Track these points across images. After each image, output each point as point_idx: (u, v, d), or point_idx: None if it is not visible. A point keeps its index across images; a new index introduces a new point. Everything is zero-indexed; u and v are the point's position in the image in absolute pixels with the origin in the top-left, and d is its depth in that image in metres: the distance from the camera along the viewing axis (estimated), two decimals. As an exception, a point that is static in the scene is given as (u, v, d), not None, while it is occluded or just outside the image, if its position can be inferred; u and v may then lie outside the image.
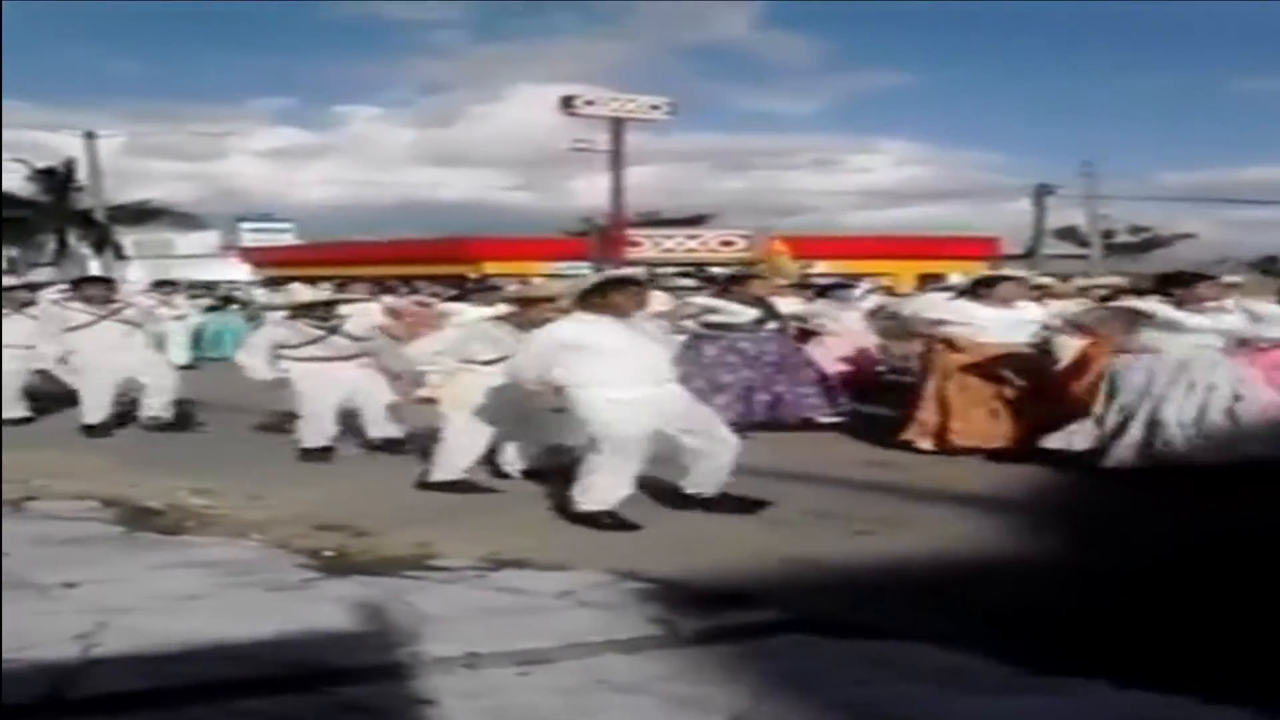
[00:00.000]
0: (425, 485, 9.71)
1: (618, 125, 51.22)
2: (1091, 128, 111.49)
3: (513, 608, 6.21)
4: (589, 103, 51.40)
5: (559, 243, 52.65)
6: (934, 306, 12.58)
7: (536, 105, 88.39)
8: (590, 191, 54.98)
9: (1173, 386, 9.91)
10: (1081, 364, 11.42)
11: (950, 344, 11.56)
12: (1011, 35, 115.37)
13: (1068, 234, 62.02)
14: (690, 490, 8.65)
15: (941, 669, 5.27)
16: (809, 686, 5.02)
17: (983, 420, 11.20)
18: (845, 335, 15.74)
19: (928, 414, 11.52)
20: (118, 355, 13.85)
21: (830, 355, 14.83)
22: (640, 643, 5.63)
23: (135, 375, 13.95)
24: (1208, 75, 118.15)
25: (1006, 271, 14.14)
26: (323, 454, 11.55)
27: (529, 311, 9.94)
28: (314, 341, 11.95)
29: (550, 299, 9.96)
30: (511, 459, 10.00)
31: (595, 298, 8.61)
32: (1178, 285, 10.39)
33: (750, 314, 13.09)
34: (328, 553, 7.45)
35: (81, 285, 15.49)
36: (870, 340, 16.13)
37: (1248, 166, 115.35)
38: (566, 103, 51.51)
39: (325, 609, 6.14)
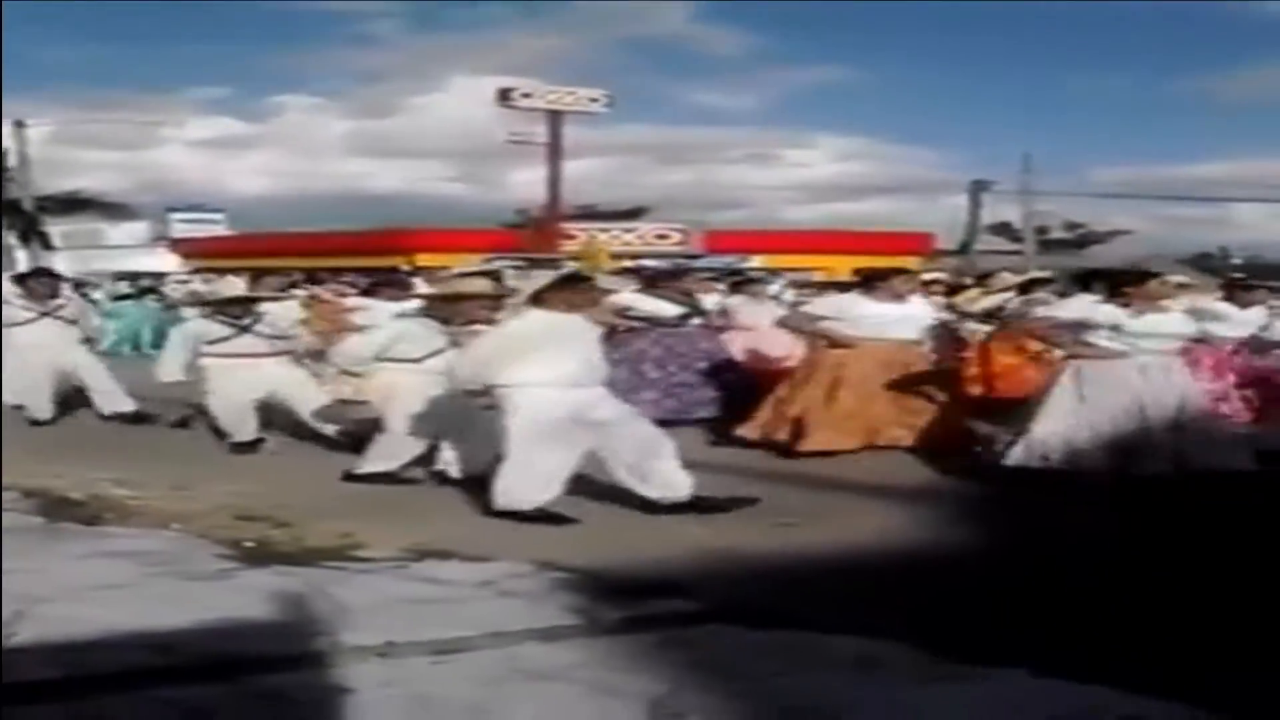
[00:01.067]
0: (352, 477, 9.69)
1: (555, 118, 51.18)
2: (1029, 124, 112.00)
3: (432, 598, 6.21)
4: (526, 95, 51.33)
5: (493, 235, 52.41)
6: (825, 302, 12.50)
7: (473, 97, 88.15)
8: (527, 184, 54.82)
9: (1116, 394, 9.60)
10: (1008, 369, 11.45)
11: (829, 340, 11.43)
12: (949, 31, 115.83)
13: (1002, 230, 62.34)
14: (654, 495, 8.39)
15: (859, 658, 5.29)
16: (726, 675, 5.03)
17: (831, 421, 10.99)
18: (755, 330, 15.48)
19: (766, 411, 11.45)
20: (53, 352, 13.90)
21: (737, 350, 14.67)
22: (559, 631, 5.65)
23: (71, 371, 14.00)
24: (1145, 73, 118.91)
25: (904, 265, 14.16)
26: (251, 446, 11.52)
27: (455, 306, 9.97)
28: (229, 338, 11.95)
29: (478, 296, 10.00)
30: (450, 461, 9.66)
31: (551, 294, 8.49)
32: (1128, 283, 10.07)
33: (675, 310, 13.10)
34: (248, 543, 7.42)
35: (26, 279, 15.32)
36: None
37: (1182, 164, 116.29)
38: (504, 95, 51.41)
39: (244, 599, 6.11)
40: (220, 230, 64.89)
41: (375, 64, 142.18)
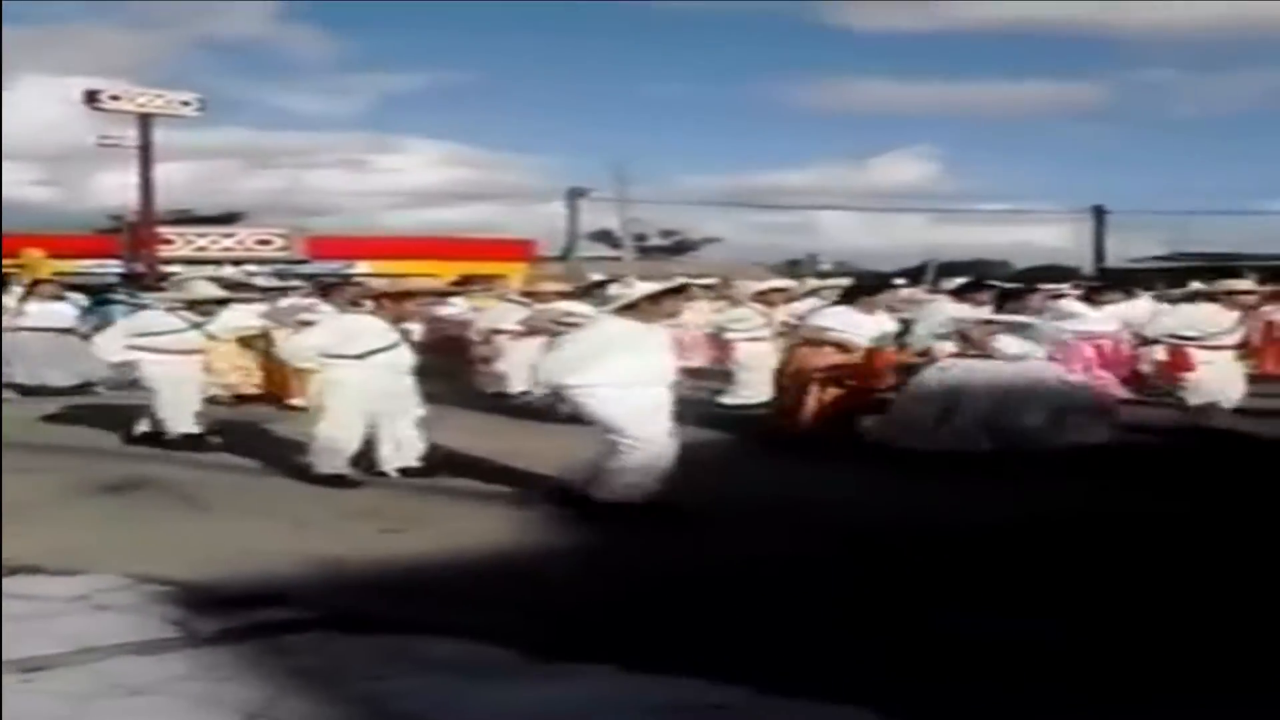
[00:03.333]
0: (314, 478, 9.94)
1: (145, 121, 49.54)
2: (621, 131, 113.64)
3: (22, 614, 6.01)
4: (115, 97, 49.42)
5: (87, 240, 50.57)
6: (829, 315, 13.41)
7: (53, 97, 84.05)
8: (118, 188, 52.66)
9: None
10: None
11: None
12: (539, 37, 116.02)
13: (602, 236, 63.45)
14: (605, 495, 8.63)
15: (457, 660, 5.43)
16: (326, 681, 5.10)
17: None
18: None
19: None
20: None
21: None
22: (156, 644, 5.59)
23: None
24: (725, 82, 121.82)
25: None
26: None
27: (399, 306, 10.40)
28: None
29: (425, 292, 11.15)
30: (388, 457, 10.19)
31: (648, 304, 8.90)
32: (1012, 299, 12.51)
33: None
34: None
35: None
36: None
37: (768, 172, 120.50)
38: (92, 97, 49.46)
39: None
40: None
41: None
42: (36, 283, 20.38)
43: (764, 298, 16.66)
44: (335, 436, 9.97)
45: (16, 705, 4.79)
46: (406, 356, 10.27)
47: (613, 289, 14.64)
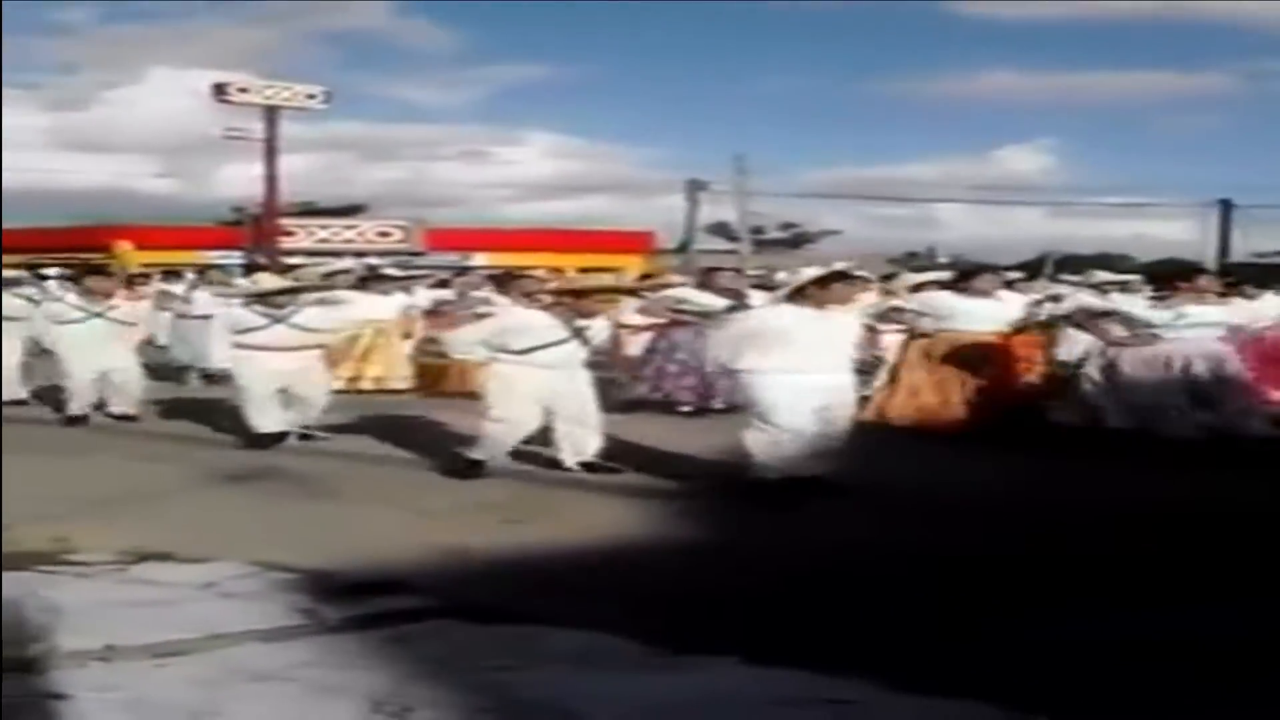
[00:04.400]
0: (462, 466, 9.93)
1: (271, 113, 50.15)
2: (738, 125, 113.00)
3: (153, 600, 6.13)
4: (243, 90, 50.14)
5: (209, 231, 51.37)
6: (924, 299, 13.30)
7: (177, 90, 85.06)
8: (240, 180, 53.35)
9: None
10: None
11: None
12: (659, 30, 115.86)
13: (719, 229, 63.10)
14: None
15: (580, 650, 5.42)
16: (450, 670, 5.11)
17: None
18: None
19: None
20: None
21: None
22: (283, 632, 5.65)
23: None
24: (844, 75, 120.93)
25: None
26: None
27: (580, 303, 10.27)
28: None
29: (604, 289, 11.00)
30: (567, 451, 10.10)
31: (815, 289, 9.07)
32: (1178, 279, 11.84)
33: (723, 303, 13.50)
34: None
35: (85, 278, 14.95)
36: None
37: (889, 165, 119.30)
38: (220, 90, 50.18)
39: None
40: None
41: (71, 55, 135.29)
42: (204, 270, 21.04)
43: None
44: (501, 430, 9.92)
45: (149, 690, 4.86)
46: (578, 353, 10.12)
47: (781, 275, 14.55)
